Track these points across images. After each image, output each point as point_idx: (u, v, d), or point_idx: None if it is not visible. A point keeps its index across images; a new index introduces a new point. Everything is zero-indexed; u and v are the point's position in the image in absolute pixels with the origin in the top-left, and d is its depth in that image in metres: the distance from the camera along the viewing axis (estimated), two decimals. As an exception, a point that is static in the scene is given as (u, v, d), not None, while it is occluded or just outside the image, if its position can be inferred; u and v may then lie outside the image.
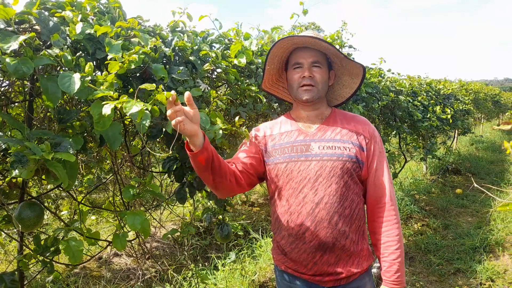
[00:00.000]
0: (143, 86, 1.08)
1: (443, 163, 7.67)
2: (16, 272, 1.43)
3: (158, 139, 1.61)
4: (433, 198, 5.82)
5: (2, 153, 1.39)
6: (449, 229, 4.65)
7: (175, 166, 1.68)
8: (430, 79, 5.57)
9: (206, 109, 1.52)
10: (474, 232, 4.41)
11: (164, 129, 1.40)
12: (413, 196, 5.69)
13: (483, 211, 5.22)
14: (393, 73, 4.07)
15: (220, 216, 2.24)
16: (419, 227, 4.64)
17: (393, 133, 4.22)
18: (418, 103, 4.27)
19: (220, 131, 1.45)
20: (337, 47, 2.67)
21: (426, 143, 4.98)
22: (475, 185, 1.39)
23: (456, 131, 8.58)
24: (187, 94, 1.09)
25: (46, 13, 1.16)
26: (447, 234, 4.50)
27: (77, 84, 1.03)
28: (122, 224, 1.69)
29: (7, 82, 1.39)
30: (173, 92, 1.06)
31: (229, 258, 3.60)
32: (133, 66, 1.20)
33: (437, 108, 4.56)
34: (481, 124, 13.75)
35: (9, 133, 1.32)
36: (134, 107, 1.01)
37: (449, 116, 4.75)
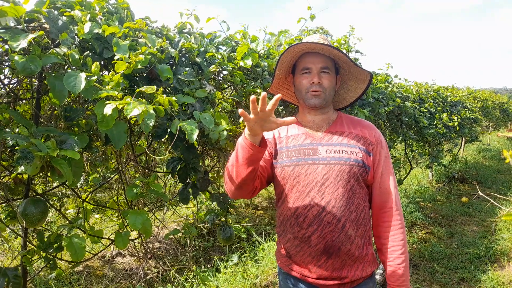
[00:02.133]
0: (143, 89, 1.09)
1: (449, 171, 7.60)
2: (19, 268, 1.44)
3: (163, 139, 1.62)
4: (438, 206, 5.77)
5: (9, 149, 1.41)
6: (454, 237, 4.60)
7: (179, 167, 1.69)
8: (438, 86, 5.54)
9: (211, 110, 1.52)
10: (479, 241, 4.36)
11: (169, 130, 1.41)
12: (418, 203, 5.64)
13: (488, 220, 5.16)
14: (400, 79, 4.06)
15: (223, 218, 2.25)
16: (424, 235, 4.60)
17: (399, 139, 4.19)
18: (425, 110, 4.25)
19: (225, 132, 1.45)
20: (344, 51, 2.67)
21: (432, 150, 4.95)
22: (480, 193, 1.38)
23: (463, 139, 8.51)
24: (275, 97, 1.08)
25: (56, 12, 1.18)
26: (451, 242, 4.45)
27: (82, 84, 1.04)
28: (125, 223, 1.70)
29: (15, 79, 1.41)
30: (263, 93, 1.05)
31: (231, 261, 3.60)
32: (139, 66, 1.21)
33: (444, 115, 4.54)
34: (489, 133, 13.63)
35: (17, 130, 1.34)
36: (135, 109, 1.02)
37: (456, 124, 4.71)
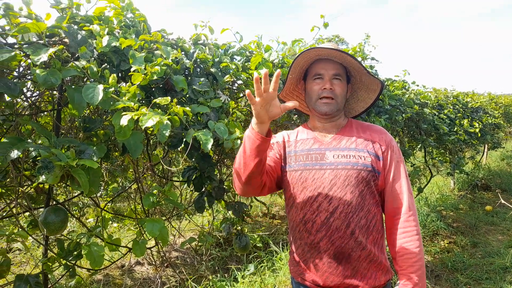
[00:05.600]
0: (158, 100, 1.11)
1: (471, 179, 7.39)
2: (41, 275, 1.48)
3: (179, 148, 1.65)
4: (461, 215, 5.61)
5: (31, 160, 1.46)
6: (478, 247, 4.46)
7: (194, 176, 1.71)
8: (457, 91, 5.43)
9: (226, 119, 1.54)
10: (504, 251, 4.21)
11: (184, 139, 1.43)
12: (439, 212, 5.50)
13: (514, 229, 4.98)
14: (417, 85, 4.01)
15: (239, 227, 2.25)
16: (446, 244, 4.47)
17: (419, 146, 4.12)
18: (444, 116, 4.16)
19: (238, 141, 1.47)
20: (359, 59, 2.66)
21: (453, 158, 4.83)
22: (503, 201, 1.34)
23: (486, 146, 8.28)
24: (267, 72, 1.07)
25: (75, 26, 1.23)
26: (475, 252, 4.31)
27: (100, 95, 1.07)
28: (142, 231, 1.73)
29: (37, 92, 1.46)
30: (264, 70, 1.05)
31: (248, 270, 3.59)
32: (155, 77, 1.24)
33: (465, 122, 4.43)
34: (513, 138, 13.21)
35: (39, 141, 1.39)
36: (150, 120, 1.05)
37: (477, 130, 4.59)
